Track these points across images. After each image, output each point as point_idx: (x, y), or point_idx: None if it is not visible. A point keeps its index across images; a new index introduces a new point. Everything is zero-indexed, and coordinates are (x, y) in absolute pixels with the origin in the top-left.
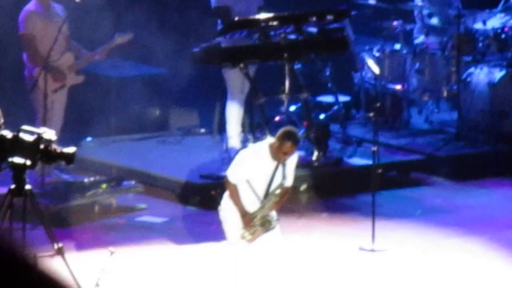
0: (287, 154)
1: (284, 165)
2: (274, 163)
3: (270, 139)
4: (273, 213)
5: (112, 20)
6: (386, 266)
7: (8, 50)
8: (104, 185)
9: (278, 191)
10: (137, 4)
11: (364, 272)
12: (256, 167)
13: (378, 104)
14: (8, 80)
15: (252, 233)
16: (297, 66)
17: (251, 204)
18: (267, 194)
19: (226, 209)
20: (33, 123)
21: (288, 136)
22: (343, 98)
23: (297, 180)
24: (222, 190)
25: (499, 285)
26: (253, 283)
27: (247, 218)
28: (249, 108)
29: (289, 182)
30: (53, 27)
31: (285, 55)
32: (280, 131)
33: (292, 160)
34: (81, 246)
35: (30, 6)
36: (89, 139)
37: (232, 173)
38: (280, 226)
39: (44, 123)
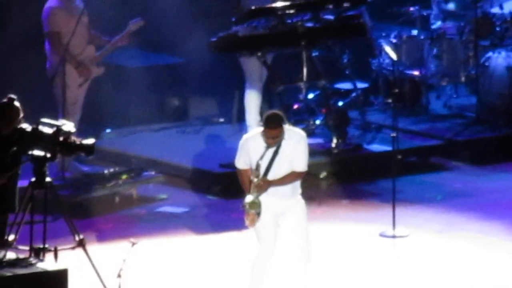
0: (270, 138)
1: (280, 149)
2: (272, 148)
3: None
4: (287, 193)
5: (129, 8)
6: (407, 251)
7: (31, 45)
8: (124, 176)
9: (259, 174)
10: None
11: (385, 258)
12: (252, 151)
13: (396, 90)
14: (31, 74)
15: (247, 217)
16: (315, 53)
17: None
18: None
19: None
20: (55, 116)
21: (266, 122)
22: (361, 85)
23: (317, 167)
24: None
25: None
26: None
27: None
28: (267, 96)
29: (297, 166)
30: (76, 20)
31: (303, 42)
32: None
33: (291, 143)
34: (102, 237)
35: (51, 3)
36: (108, 130)
37: (237, 159)
38: (302, 208)
39: (65, 116)
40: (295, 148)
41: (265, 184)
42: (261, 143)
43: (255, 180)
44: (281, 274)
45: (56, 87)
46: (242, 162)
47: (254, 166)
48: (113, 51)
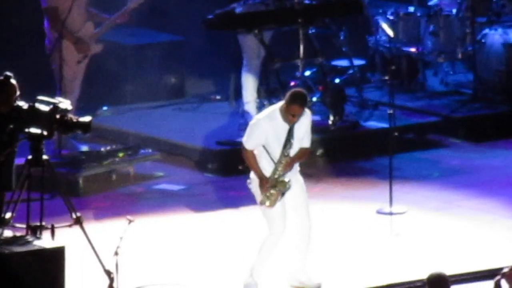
0: (295, 115)
1: (295, 127)
2: (286, 126)
3: (281, 102)
4: (293, 172)
5: None
6: (404, 228)
7: (29, 22)
8: (121, 154)
9: (288, 153)
10: None
11: (383, 235)
12: (269, 131)
13: (393, 67)
14: (29, 51)
15: (269, 197)
16: (312, 30)
17: (270, 167)
18: (281, 157)
19: (255, 180)
20: (53, 93)
21: (295, 98)
22: (358, 62)
23: (314, 144)
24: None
25: None
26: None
27: (264, 183)
28: (264, 73)
29: (306, 143)
30: None
31: (300, 20)
32: (288, 93)
33: (305, 121)
34: (99, 215)
35: None
36: (105, 107)
37: (248, 140)
38: (302, 185)
39: (62, 93)
40: (307, 125)
41: (291, 162)
42: (279, 122)
43: (284, 159)
44: (282, 251)
45: (54, 64)
46: (253, 143)
47: (273, 145)
48: (112, 28)
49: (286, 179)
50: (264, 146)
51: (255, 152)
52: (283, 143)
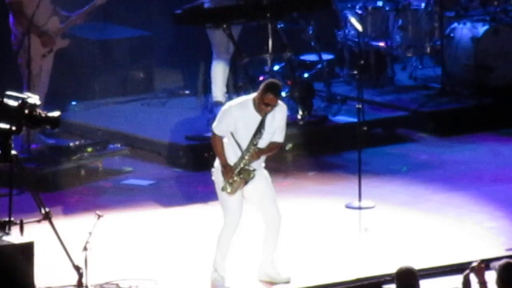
0: (269, 105)
1: (268, 118)
2: (258, 117)
3: (254, 93)
4: (258, 165)
5: None
6: (373, 223)
7: None
8: (90, 149)
9: (257, 142)
10: None
11: (351, 230)
12: (239, 119)
13: (362, 62)
14: None
15: (231, 183)
16: (280, 25)
17: (235, 156)
18: (249, 147)
19: (218, 168)
20: (20, 89)
21: (269, 87)
22: (326, 56)
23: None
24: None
25: (485, 239)
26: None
27: (227, 170)
28: (233, 68)
29: (278, 138)
30: None
31: (268, 14)
32: (263, 83)
33: (279, 115)
34: (68, 210)
35: None
36: (74, 103)
37: (217, 125)
38: (269, 175)
39: (30, 88)
40: (281, 119)
41: (259, 153)
42: (251, 111)
43: (252, 148)
44: (252, 245)
45: (21, 59)
46: (222, 129)
47: (241, 134)
48: (75, 25)
49: (251, 168)
50: (232, 134)
51: (225, 140)
52: (252, 134)
